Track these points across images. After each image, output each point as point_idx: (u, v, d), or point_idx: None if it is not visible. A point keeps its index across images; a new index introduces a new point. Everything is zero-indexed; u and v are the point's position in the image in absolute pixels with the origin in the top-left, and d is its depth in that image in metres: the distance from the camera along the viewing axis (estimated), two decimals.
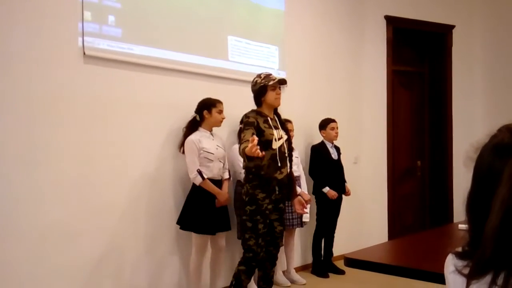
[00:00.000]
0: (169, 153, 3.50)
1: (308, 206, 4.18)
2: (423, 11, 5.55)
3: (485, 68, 5.78)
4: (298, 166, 4.24)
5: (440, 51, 5.87)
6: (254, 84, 3.09)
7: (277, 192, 3.06)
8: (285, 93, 4.45)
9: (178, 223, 3.38)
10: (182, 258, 3.55)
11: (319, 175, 4.43)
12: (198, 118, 3.42)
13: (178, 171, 3.53)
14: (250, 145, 2.57)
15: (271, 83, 3.04)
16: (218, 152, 3.39)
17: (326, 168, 4.42)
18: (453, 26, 5.75)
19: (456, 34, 5.77)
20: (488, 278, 0.77)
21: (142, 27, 3.38)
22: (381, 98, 5.45)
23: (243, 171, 3.15)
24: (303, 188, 4.22)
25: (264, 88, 3.05)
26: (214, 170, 3.35)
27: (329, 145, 4.48)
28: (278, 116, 3.17)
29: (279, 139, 3.03)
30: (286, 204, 4.05)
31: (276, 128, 3.07)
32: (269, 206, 3.01)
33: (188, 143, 3.32)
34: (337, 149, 4.55)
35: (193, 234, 3.36)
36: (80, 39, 3.03)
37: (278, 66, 4.39)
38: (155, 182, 3.43)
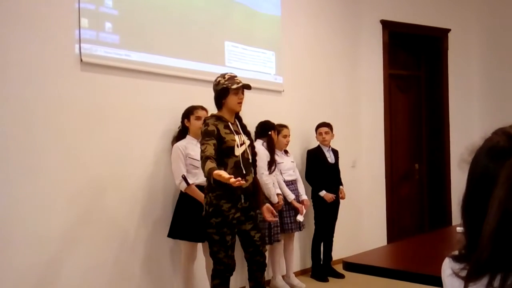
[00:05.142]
0: (167, 159, 3.49)
1: (304, 210, 4.21)
2: (419, 15, 5.57)
3: (481, 71, 5.80)
4: (294, 170, 4.26)
5: (436, 55, 5.89)
6: (216, 84, 2.88)
7: (243, 201, 2.86)
8: (282, 97, 4.49)
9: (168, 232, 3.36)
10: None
11: (315, 179, 4.43)
12: (180, 127, 3.43)
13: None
14: (231, 179, 2.42)
15: (234, 86, 2.82)
16: None
17: (322, 172, 4.42)
18: (448, 30, 5.78)
19: (452, 38, 5.80)
20: (484, 281, 0.77)
21: (139, 33, 3.39)
22: (378, 102, 5.46)
23: None
24: (301, 192, 4.23)
25: (226, 91, 2.84)
26: (200, 177, 3.23)
27: (325, 149, 4.49)
28: (240, 120, 2.99)
29: (241, 144, 2.86)
30: (284, 209, 4.08)
31: (238, 133, 2.89)
32: (236, 216, 2.83)
33: (174, 150, 3.30)
34: (335, 153, 4.55)
35: (181, 242, 3.33)
36: (77, 46, 3.03)
37: (275, 71, 4.40)
38: (155, 189, 3.42)
